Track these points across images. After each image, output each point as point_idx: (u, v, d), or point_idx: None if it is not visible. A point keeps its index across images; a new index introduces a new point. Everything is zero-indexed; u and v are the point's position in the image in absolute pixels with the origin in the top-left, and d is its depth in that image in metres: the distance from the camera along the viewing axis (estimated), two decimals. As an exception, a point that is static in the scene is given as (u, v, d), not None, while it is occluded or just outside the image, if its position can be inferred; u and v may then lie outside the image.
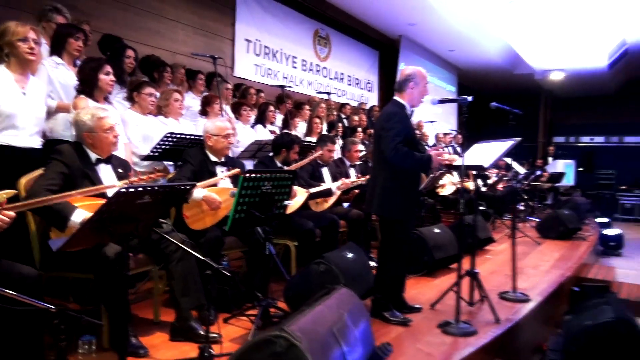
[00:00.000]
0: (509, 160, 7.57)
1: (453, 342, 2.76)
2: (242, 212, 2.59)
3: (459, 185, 7.71)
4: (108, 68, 3.18)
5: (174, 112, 4.18)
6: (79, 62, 3.49)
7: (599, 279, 5.09)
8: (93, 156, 2.58)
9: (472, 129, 15.37)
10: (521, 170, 6.84)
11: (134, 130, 3.61)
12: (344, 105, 8.11)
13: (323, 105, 6.91)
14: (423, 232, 4.38)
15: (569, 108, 15.93)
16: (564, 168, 12.45)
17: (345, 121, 7.63)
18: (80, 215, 2.26)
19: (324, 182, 4.39)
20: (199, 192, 2.97)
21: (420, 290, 3.85)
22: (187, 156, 3.22)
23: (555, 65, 12.01)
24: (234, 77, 6.61)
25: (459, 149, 11.15)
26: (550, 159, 12.43)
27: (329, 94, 6.51)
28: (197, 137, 3.53)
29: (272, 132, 5.52)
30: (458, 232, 5.49)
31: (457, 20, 9.07)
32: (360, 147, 5.42)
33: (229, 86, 5.55)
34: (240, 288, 3.11)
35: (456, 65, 12.67)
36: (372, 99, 9.90)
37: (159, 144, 3.43)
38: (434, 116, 10.64)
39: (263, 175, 2.61)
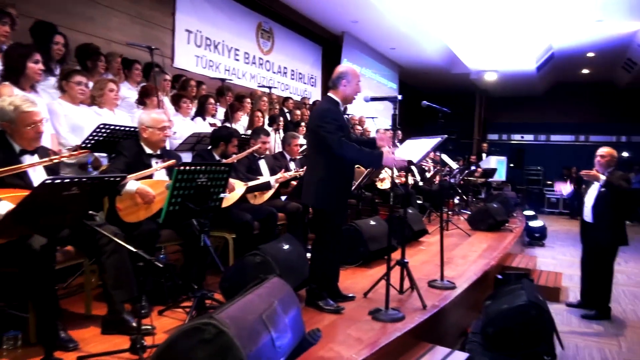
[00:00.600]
0: (444, 156, 7.92)
1: (382, 327, 2.91)
2: (177, 204, 2.60)
3: (396, 180, 8.01)
4: (37, 56, 3.07)
5: (108, 103, 4.07)
6: (4, 47, 3.34)
7: (521, 267, 5.49)
8: (17, 147, 2.49)
9: (413, 125, 15.91)
10: (454, 165, 7.19)
11: (62, 120, 3.50)
12: (286, 99, 8.17)
13: (265, 98, 6.93)
14: (359, 224, 4.53)
15: (502, 107, 16.85)
16: (496, 164, 13.15)
17: (287, 115, 7.70)
18: (4, 207, 2.19)
19: (261, 175, 4.44)
20: (132, 184, 2.94)
21: (355, 280, 4.00)
22: (121, 148, 3.17)
23: (489, 66, 12.66)
24: (174, 68, 6.48)
25: (398, 145, 11.54)
26: (484, 156, 13.07)
27: (270, 87, 6.51)
28: (133, 129, 3.47)
29: (212, 125, 5.48)
30: (390, 225, 5.76)
31: (397, 19, 9.34)
32: (301, 141, 5.51)
33: (168, 77, 5.45)
34: (176, 280, 3.11)
35: (398, 63, 13.03)
36: (315, 94, 10.02)
37: (92, 135, 3.34)
38: (375, 112, 10.92)
39: (198, 167, 2.63)
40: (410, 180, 8.47)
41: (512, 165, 14.99)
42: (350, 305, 3.28)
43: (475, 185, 11.46)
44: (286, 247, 3.30)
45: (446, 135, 3.49)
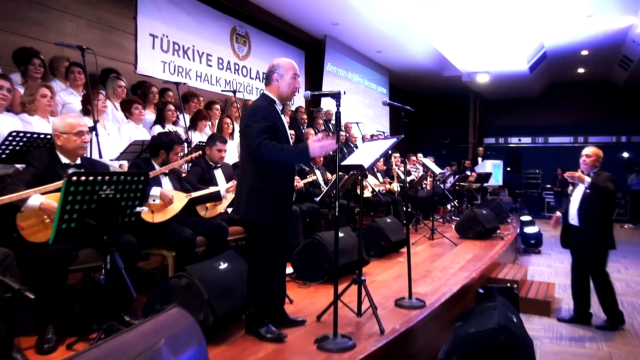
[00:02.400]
0: (426, 160, 7.52)
1: (326, 358, 2.49)
2: (73, 220, 2.21)
3: (380, 188, 7.60)
4: None
5: (40, 110, 3.73)
6: None
7: (507, 279, 5.05)
8: None
9: (407, 128, 15.49)
10: (437, 170, 6.78)
11: None
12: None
13: (237, 105, 6.58)
14: (323, 237, 4.13)
15: (498, 110, 16.44)
16: (492, 168, 12.74)
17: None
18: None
19: (216, 185, 4.05)
20: (36, 199, 2.55)
21: (314, 300, 3.59)
22: (30, 158, 2.80)
23: (480, 67, 12.27)
24: (137, 74, 6.13)
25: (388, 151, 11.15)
26: (480, 160, 12.67)
27: (234, 92, 6.13)
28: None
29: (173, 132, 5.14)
30: (364, 236, 5.35)
31: (380, 21, 9.00)
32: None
33: (122, 84, 5.09)
34: (93, 306, 2.71)
35: (386, 67, 12.67)
36: (298, 100, 9.64)
37: (4, 144, 2.98)
38: (363, 117, 10.55)
39: (99, 178, 2.24)
40: (396, 187, 8.07)
41: (509, 169, 14.55)
42: (297, 332, 2.87)
43: (470, 191, 11.04)
44: (223, 266, 2.90)
45: (402, 136, 3.08)
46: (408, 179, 8.70)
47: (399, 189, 8.10)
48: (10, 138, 2.97)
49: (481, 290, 4.35)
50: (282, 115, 2.75)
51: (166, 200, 3.29)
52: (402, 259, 5.23)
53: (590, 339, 4.13)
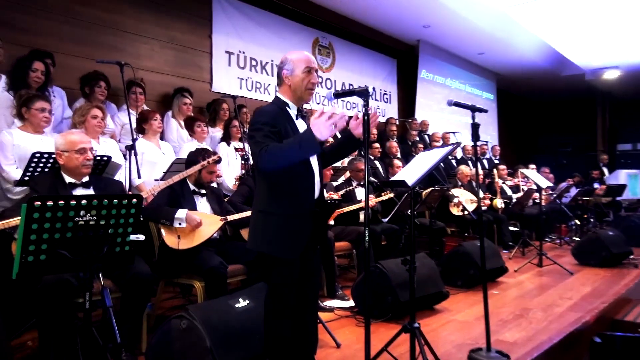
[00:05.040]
0: (529, 172, 6.42)
1: None
2: (42, 252, 1.91)
3: (485, 203, 6.64)
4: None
5: (91, 131, 3.64)
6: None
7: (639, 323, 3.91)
8: None
9: (520, 139, 13.97)
10: (544, 182, 5.70)
11: (7, 152, 3.11)
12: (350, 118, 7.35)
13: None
14: (387, 266, 3.49)
15: (633, 111, 14.08)
16: (627, 179, 10.79)
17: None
18: None
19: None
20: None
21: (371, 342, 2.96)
22: (33, 184, 2.65)
23: (608, 62, 10.54)
24: (212, 92, 6.06)
25: (496, 161, 9.96)
26: (605, 169, 10.87)
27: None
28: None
29: (237, 150, 4.89)
30: (448, 263, 4.55)
31: (479, 19, 8.07)
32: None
33: (188, 101, 4.98)
34: (98, 341, 2.41)
35: (492, 70, 11.48)
36: (390, 111, 9.03)
37: (31, 166, 2.87)
38: (464, 127, 9.59)
39: (72, 202, 1.92)
40: (500, 204, 7.04)
41: (650, 179, 12.28)
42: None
43: (599, 206, 9.44)
44: (242, 304, 2.44)
45: (460, 142, 2.40)
46: (514, 195, 7.60)
47: (502, 205, 7.06)
48: (35, 160, 2.85)
49: (598, 340, 3.36)
50: (298, 120, 2.23)
51: (193, 224, 2.94)
52: (497, 292, 4.36)
53: None
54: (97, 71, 4.41)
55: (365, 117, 2.10)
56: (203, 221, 3.00)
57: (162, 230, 2.94)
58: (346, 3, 7.47)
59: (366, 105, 2.09)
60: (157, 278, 2.95)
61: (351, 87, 2.17)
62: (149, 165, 4.03)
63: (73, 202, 1.93)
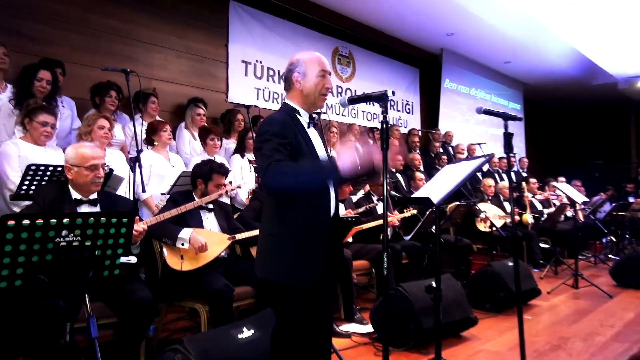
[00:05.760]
0: (562, 185, 6.03)
1: None
2: (17, 277, 1.70)
3: (505, 220, 6.26)
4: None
5: (97, 141, 3.48)
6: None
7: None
8: None
9: (548, 152, 13.45)
10: (578, 197, 5.31)
11: (13, 163, 2.94)
12: (371, 130, 7.11)
13: (334, 129, 5.98)
14: (409, 288, 3.19)
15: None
16: (665, 193, 10.22)
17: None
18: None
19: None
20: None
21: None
22: (36, 194, 2.45)
23: (641, 70, 10.06)
24: (228, 102, 5.89)
25: (524, 174, 9.53)
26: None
27: (318, 113, 5.43)
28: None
29: (252, 162, 4.69)
30: (476, 285, 4.23)
31: (506, 26, 7.76)
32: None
33: (201, 111, 4.81)
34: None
35: (518, 79, 11.10)
36: (412, 122, 8.75)
37: (26, 179, 2.69)
38: (489, 139, 9.24)
39: (52, 221, 1.71)
40: (530, 219, 6.66)
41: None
42: None
43: (635, 221, 8.95)
44: (247, 334, 2.19)
45: (492, 154, 2.12)
46: (545, 210, 7.19)
47: (532, 220, 6.68)
48: (31, 172, 2.67)
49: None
50: (310, 129, 1.99)
51: (197, 246, 2.71)
52: (529, 317, 4.00)
53: None
54: (110, 81, 4.28)
55: (384, 125, 1.85)
56: (209, 240, 2.78)
57: (164, 250, 2.72)
58: (367, 11, 7.27)
59: (385, 112, 1.85)
60: (158, 302, 2.73)
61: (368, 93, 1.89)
62: (157, 178, 3.85)
63: (53, 220, 1.73)
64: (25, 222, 1.66)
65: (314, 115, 2.05)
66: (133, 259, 2.04)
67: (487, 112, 2.49)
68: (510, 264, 4.39)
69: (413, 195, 2.42)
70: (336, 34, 7.41)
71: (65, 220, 1.76)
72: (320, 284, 1.97)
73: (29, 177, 2.68)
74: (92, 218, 1.82)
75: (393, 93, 1.86)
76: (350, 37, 7.62)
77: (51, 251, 1.75)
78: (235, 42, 6.03)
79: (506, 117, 2.46)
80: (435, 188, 2.22)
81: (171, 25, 5.43)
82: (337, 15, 7.24)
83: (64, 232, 1.76)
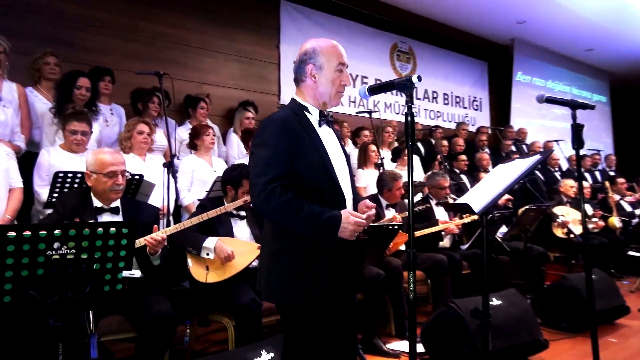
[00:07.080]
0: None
1: None
2: (6, 293, 1.58)
3: (594, 224, 5.56)
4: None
5: (136, 147, 3.48)
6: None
7: None
8: None
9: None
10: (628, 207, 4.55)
11: (42, 171, 2.94)
12: (434, 128, 6.66)
13: (389, 129, 5.65)
14: (463, 306, 2.80)
15: None
16: None
17: (422, 147, 6.22)
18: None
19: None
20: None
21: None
22: (58, 202, 2.38)
23: None
24: (280, 104, 5.74)
25: (611, 173, 8.54)
26: None
27: (370, 112, 5.08)
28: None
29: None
30: (548, 301, 3.70)
31: (586, 9, 7.00)
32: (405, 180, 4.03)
33: (250, 115, 4.68)
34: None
35: (603, 68, 10.05)
36: (481, 119, 8.16)
37: (56, 186, 2.66)
38: (563, 134, 8.37)
39: (42, 232, 1.58)
40: (618, 223, 5.89)
41: None
42: None
43: None
44: (265, 357, 1.95)
45: (550, 150, 1.77)
46: (637, 212, 6.36)
47: (621, 224, 5.91)
48: (60, 180, 2.63)
49: None
50: (322, 127, 1.72)
51: (222, 256, 2.52)
52: (614, 339, 3.44)
53: None
54: (155, 87, 4.25)
55: (409, 118, 1.54)
56: (237, 250, 2.58)
57: (189, 260, 2.56)
58: (427, 3, 6.85)
59: (410, 102, 1.54)
60: (179, 317, 2.57)
61: (389, 80, 1.60)
62: (200, 183, 3.75)
63: (43, 232, 1.59)
64: (11, 233, 1.54)
65: (326, 112, 1.77)
66: (137, 273, 1.89)
67: (550, 101, 2.09)
68: (594, 276, 3.82)
69: (456, 202, 2.05)
70: (394, 29, 7.06)
71: (57, 231, 1.62)
72: (338, 308, 1.70)
73: (58, 185, 2.64)
74: (87, 229, 1.68)
75: (419, 78, 1.57)
76: (409, 32, 7.23)
77: (42, 265, 1.62)
78: (287, 43, 5.88)
79: (574, 106, 2.04)
80: (481, 192, 1.87)
81: (221, 29, 5.38)
82: (394, 10, 6.89)
83: (55, 245, 1.63)
